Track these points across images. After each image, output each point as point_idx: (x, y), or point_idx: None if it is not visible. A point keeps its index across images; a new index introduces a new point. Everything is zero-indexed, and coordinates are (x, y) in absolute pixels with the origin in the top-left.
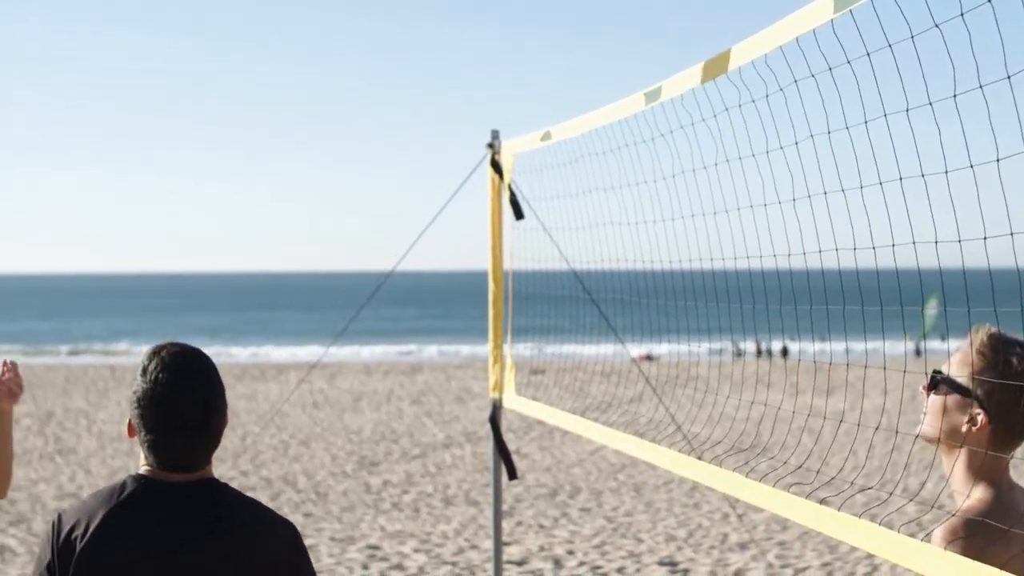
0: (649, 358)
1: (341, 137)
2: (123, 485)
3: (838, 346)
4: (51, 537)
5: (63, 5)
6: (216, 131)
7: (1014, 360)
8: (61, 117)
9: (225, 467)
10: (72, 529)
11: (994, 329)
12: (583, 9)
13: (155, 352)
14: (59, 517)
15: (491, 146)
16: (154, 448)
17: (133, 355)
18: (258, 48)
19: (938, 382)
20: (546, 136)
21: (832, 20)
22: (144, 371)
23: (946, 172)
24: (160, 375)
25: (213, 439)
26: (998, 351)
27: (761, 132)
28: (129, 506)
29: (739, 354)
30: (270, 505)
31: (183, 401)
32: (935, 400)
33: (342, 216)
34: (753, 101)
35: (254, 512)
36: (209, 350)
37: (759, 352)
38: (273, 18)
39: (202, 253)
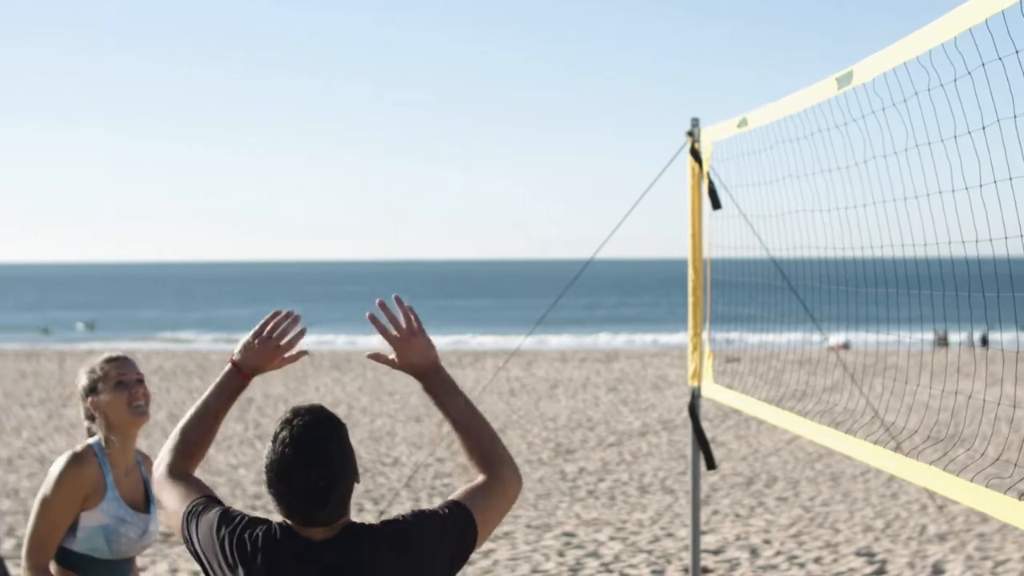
0: (845, 346)
1: (541, 126)
2: (272, 535)
3: None
4: (213, 525)
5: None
6: (429, 117)
7: None
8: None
9: (422, 454)
10: (225, 544)
11: None
12: None
13: (287, 421)
14: (225, 522)
15: (691, 134)
16: (282, 512)
17: (325, 344)
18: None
19: None
20: (743, 123)
21: (1020, 1)
22: (274, 438)
23: None
24: (286, 450)
25: (338, 504)
26: None
27: (950, 116)
28: (270, 562)
29: (938, 343)
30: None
31: (304, 480)
32: None
33: (542, 204)
34: (942, 85)
35: (392, 542)
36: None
37: (945, 341)
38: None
39: (406, 241)
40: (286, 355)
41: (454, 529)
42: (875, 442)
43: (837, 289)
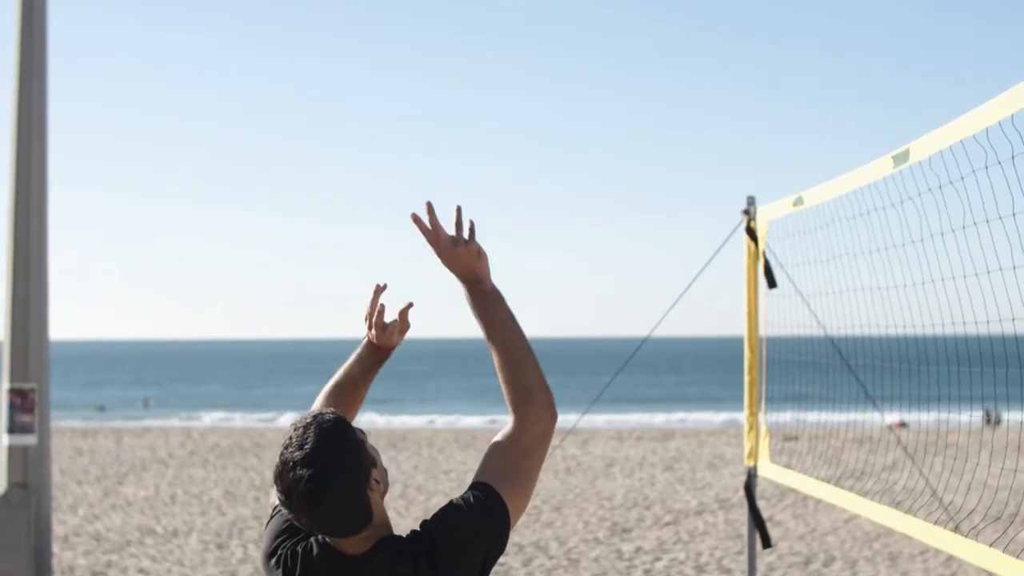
0: (903, 425)
1: (591, 202)
2: (309, 550)
3: None
4: (276, 531)
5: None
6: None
7: None
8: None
9: None
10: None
11: None
12: (834, 74)
13: (292, 427)
14: (287, 532)
15: (747, 212)
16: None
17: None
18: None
19: None
20: (798, 201)
21: None
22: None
23: None
24: (282, 453)
25: (338, 510)
26: None
27: (1008, 193)
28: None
29: (997, 421)
30: (521, 573)
31: (293, 479)
32: None
33: (595, 281)
34: (999, 163)
35: (425, 553)
36: (474, 418)
37: (990, 419)
38: (543, 74)
39: (462, 320)
40: (388, 321)
41: (485, 520)
42: (935, 522)
43: (891, 367)
